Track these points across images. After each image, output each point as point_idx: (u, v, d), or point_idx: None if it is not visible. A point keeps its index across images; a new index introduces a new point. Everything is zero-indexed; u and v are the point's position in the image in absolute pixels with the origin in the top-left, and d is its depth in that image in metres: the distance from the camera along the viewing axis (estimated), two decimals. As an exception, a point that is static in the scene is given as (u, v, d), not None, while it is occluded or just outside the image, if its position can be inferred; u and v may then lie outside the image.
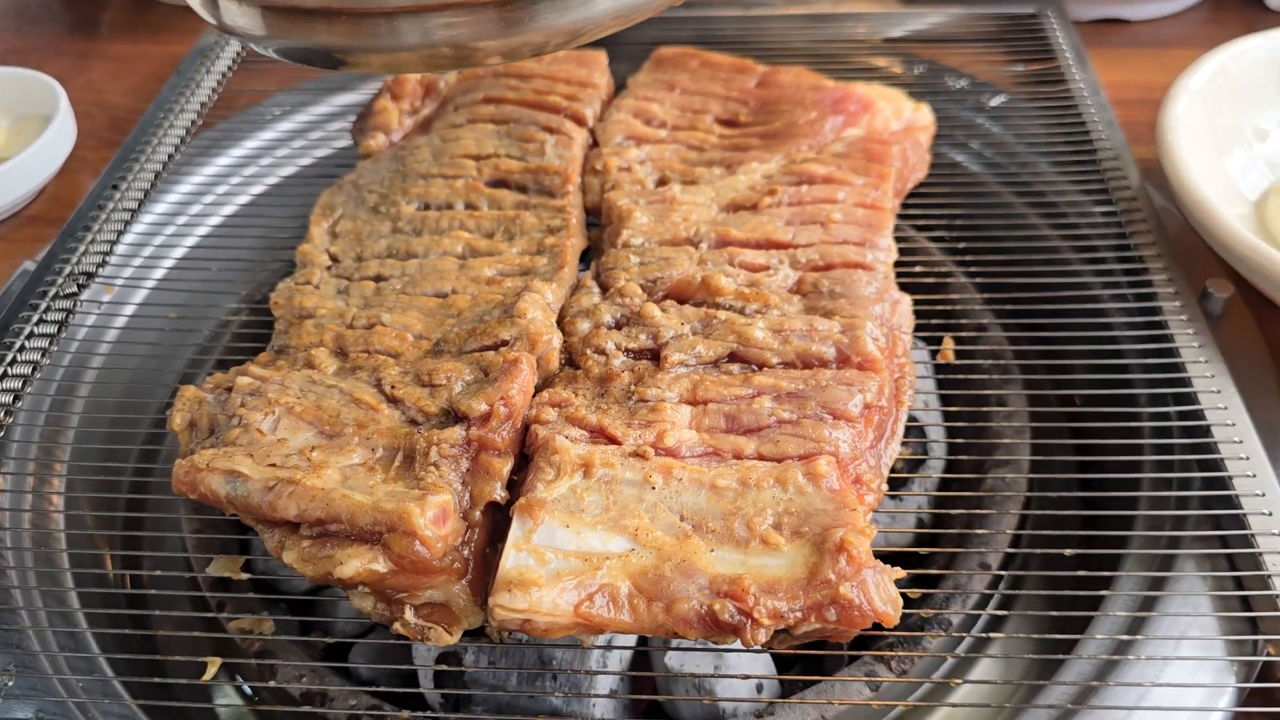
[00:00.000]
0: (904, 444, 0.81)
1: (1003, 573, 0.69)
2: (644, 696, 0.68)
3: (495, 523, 0.61)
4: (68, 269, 0.79)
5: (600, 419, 0.63)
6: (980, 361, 0.83)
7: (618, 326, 0.70)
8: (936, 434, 0.82)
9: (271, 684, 0.64)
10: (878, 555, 0.76)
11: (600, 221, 0.81)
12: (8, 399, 0.71)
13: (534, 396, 0.66)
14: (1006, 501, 0.74)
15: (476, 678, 0.69)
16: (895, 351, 0.70)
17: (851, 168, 0.81)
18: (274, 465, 0.61)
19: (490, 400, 0.62)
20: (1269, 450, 0.69)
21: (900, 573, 0.59)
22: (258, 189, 0.96)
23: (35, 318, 0.76)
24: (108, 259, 0.81)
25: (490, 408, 0.62)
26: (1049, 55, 1.00)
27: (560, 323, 0.72)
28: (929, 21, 1.09)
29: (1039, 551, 0.67)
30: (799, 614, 0.56)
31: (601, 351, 0.68)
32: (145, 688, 0.62)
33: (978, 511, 0.72)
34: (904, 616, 0.65)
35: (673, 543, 0.58)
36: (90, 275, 0.80)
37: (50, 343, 0.75)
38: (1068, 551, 0.64)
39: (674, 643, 0.69)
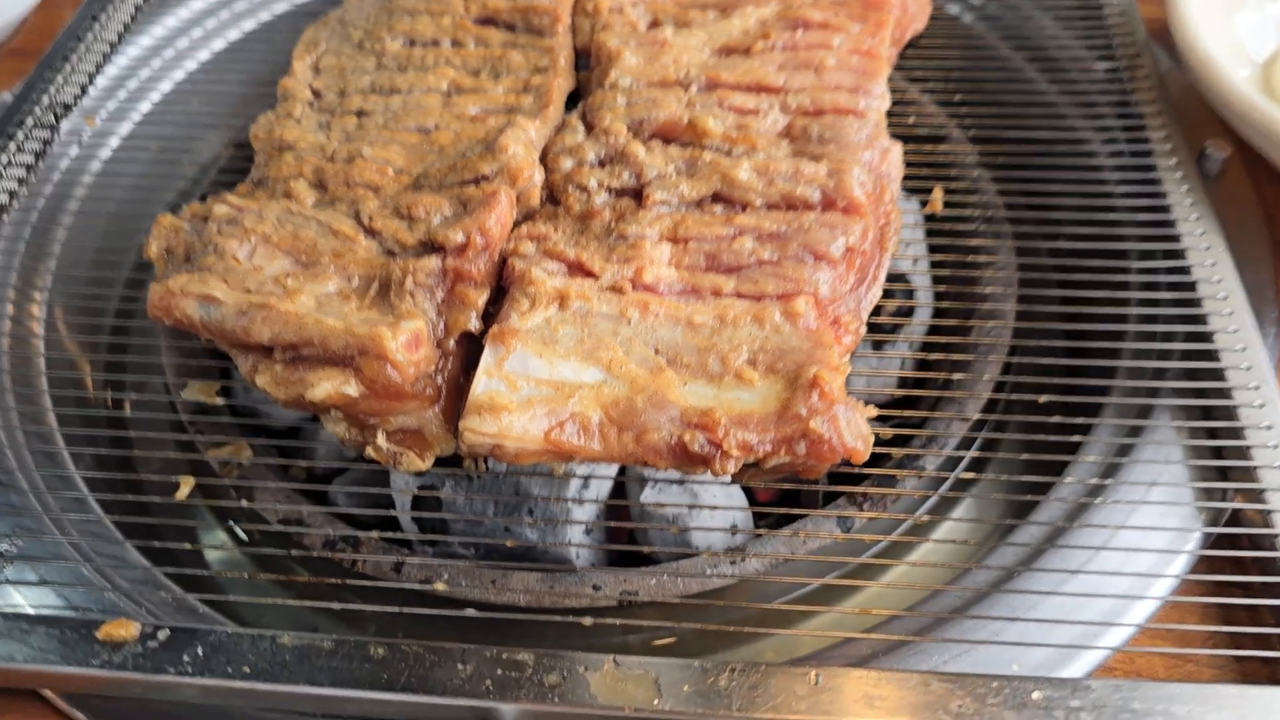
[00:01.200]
0: (890, 296, 0.81)
1: (986, 416, 0.69)
2: (619, 523, 0.69)
3: (470, 353, 0.61)
4: (45, 99, 0.78)
5: (579, 253, 0.63)
6: (970, 214, 0.82)
7: (601, 165, 0.69)
8: (923, 286, 0.82)
9: (244, 504, 0.65)
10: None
11: (590, 63, 0.79)
12: (-16, 224, 0.70)
13: (514, 230, 0.65)
14: (989, 353, 0.74)
15: (453, 509, 0.70)
16: (882, 198, 0.69)
17: (848, 14, 0.79)
18: (248, 290, 0.61)
19: (467, 231, 0.61)
20: (1254, 309, 0.68)
21: (873, 411, 0.59)
22: (249, 24, 0.93)
23: (12, 146, 0.75)
24: (86, 90, 0.80)
25: (467, 238, 0.61)
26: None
27: (544, 160, 0.70)
28: None
29: (1019, 398, 0.67)
30: (769, 446, 0.56)
31: (584, 188, 0.67)
32: (121, 505, 0.63)
33: (961, 358, 0.72)
34: (881, 461, 0.67)
35: (646, 375, 0.58)
36: (68, 106, 0.78)
37: (28, 172, 0.74)
38: (1042, 398, 0.65)
39: (650, 480, 0.69)
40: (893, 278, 0.83)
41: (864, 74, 0.75)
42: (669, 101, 0.72)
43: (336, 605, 0.63)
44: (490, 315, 0.62)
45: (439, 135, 0.71)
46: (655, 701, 0.51)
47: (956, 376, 0.73)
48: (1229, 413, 0.62)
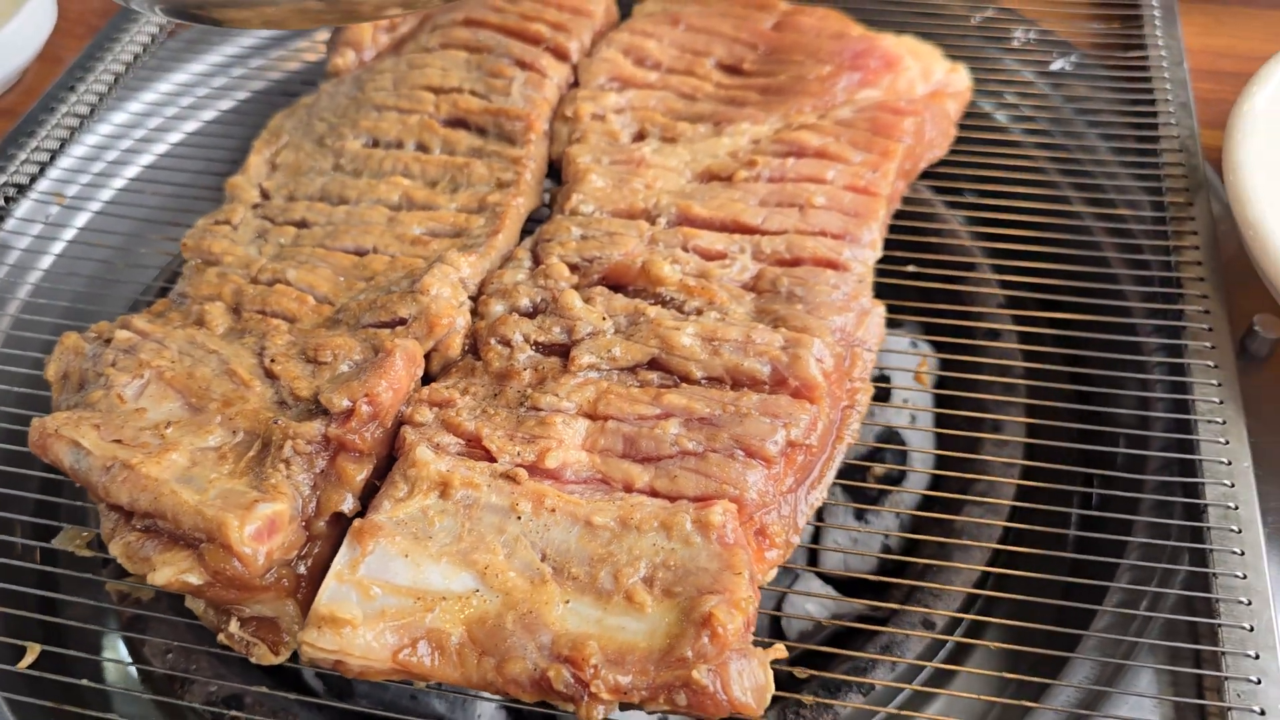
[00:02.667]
0: (879, 457, 0.73)
1: (960, 615, 0.61)
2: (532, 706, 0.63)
3: (344, 534, 0.55)
4: (1, 178, 0.75)
5: (480, 426, 0.56)
6: (983, 377, 0.73)
7: (533, 314, 0.62)
8: (920, 447, 0.73)
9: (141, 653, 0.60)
10: (831, 581, 0.70)
11: (561, 177, 0.73)
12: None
13: (425, 386, 0.59)
14: (972, 546, 0.65)
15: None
16: (849, 373, 0.61)
17: (852, 140, 0.70)
18: (119, 441, 0.56)
19: (353, 396, 0.55)
20: (1269, 541, 0.58)
21: (779, 653, 0.51)
22: (226, 104, 0.89)
23: (-43, 230, 0.72)
24: (46, 170, 0.77)
25: (353, 404, 0.55)
26: (1134, 12, 0.85)
27: (479, 294, 0.64)
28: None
29: (1002, 599, 0.58)
30: (645, 693, 0.49)
31: (507, 342, 0.61)
32: None
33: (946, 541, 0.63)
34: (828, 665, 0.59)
35: (525, 587, 0.51)
36: (21, 189, 0.75)
37: (-35, 259, 0.71)
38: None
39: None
40: (885, 436, 0.74)
41: (856, 216, 0.67)
42: (628, 238, 0.65)
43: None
44: (374, 489, 0.55)
45: (373, 260, 0.66)
46: None
47: (931, 571, 0.64)
48: (1218, 688, 0.52)
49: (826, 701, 0.59)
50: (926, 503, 0.71)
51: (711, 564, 0.51)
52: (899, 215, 0.75)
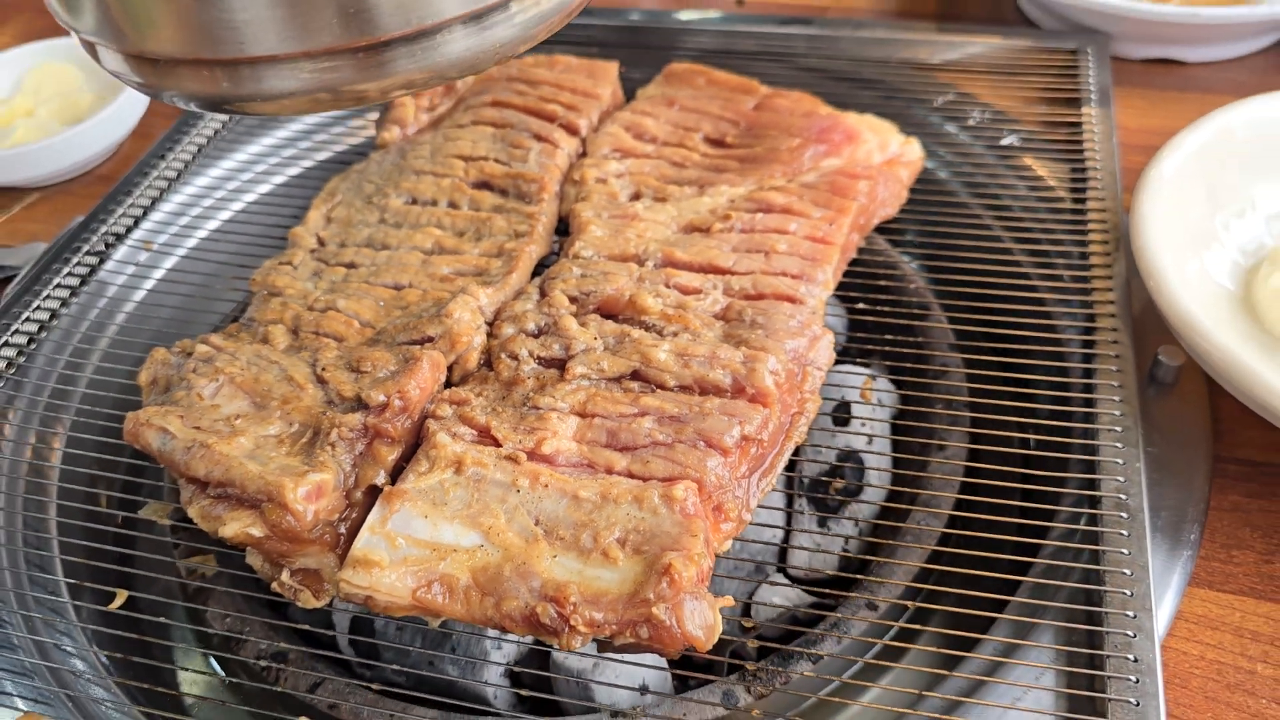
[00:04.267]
0: (839, 474, 0.84)
1: (905, 602, 0.71)
2: (539, 671, 0.73)
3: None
4: (102, 229, 0.90)
5: (489, 420, 0.68)
6: (935, 410, 0.84)
7: (538, 335, 0.75)
8: (876, 465, 0.84)
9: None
10: (797, 580, 0.80)
11: (568, 230, 0.86)
12: (23, 341, 0.82)
13: (440, 392, 0.72)
14: (915, 546, 0.76)
15: (386, 638, 0.76)
16: (800, 386, 0.73)
17: (814, 199, 0.83)
18: (199, 428, 0.69)
19: (388, 392, 0.68)
20: (1174, 526, 0.69)
21: (727, 601, 0.62)
22: (292, 171, 1.04)
23: (65, 270, 0.86)
24: (140, 222, 0.91)
25: (387, 399, 0.68)
26: (1074, 96, 0.98)
27: (495, 322, 0.77)
28: (973, 50, 1.08)
29: (940, 591, 0.68)
30: (615, 626, 0.60)
31: (515, 357, 0.73)
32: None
33: (891, 543, 0.74)
34: (789, 639, 0.70)
35: (521, 544, 0.62)
36: (120, 237, 0.90)
37: (71, 294, 0.85)
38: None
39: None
40: (845, 455, 0.86)
41: (812, 261, 0.79)
42: (620, 276, 0.78)
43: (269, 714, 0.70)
44: (402, 470, 0.68)
45: (409, 293, 0.79)
46: None
47: (877, 567, 0.74)
48: (1100, 662, 0.62)
49: (778, 669, 0.69)
50: (882, 513, 0.82)
51: (674, 529, 0.63)
52: (869, 269, 0.87)
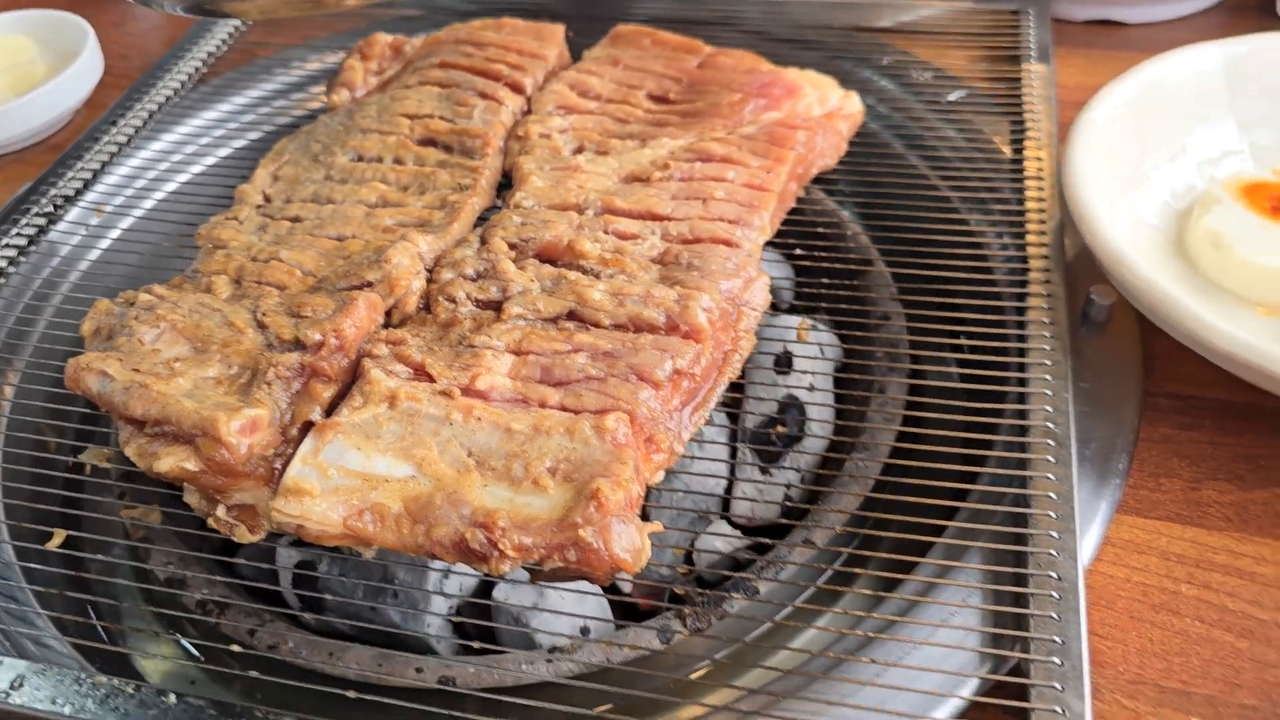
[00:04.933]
0: (781, 421, 0.85)
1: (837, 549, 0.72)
2: (478, 620, 0.74)
3: (312, 441, 0.68)
4: (52, 191, 0.90)
5: (425, 359, 0.69)
6: (874, 349, 0.85)
7: (476, 279, 0.76)
8: (819, 416, 0.85)
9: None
10: (740, 528, 0.81)
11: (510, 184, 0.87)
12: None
13: (376, 333, 0.72)
14: (853, 484, 0.77)
15: (329, 586, 0.77)
16: (735, 325, 0.74)
17: (752, 149, 0.84)
18: (138, 370, 0.69)
19: (324, 331, 0.69)
20: (1103, 457, 0.70)
21: (656, 527, 0.63)
22: (242, 141, 1.05)
23: (14, 230, 0.87)
24: (91, 185, 0.92)
25: (323, 338, 0.69)
26: (1015, 54, 0.99)
27: (433, 270, 0.78)
28: (918, 14, 1.09)
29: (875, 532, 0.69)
30: (543, 550, 0.60)
31: (452, 299, 0.74)
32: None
33: (827, 490, 0.75)
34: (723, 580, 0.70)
35: (453, 475, 0.63)
36: (68, 199, 0.90)
37: (19, 253, 0.86)
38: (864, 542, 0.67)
39: (503, 580, 0.74)
40: (787, 403, 0.86)
41: (749, 207, 0.80)
42: (559, 224, 0.79)
43: (208, 666, 0.71)
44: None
45: (351, 244, 0.80)
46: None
47: (818, 508, 0.75)
48: (1025, 580, 0.63)
49: (714, 602, 0.70)
50: (824, 460, 0.83)
51: (604, 458, 0.64)
52: (814, 225, 0.89)
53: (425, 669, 0.67)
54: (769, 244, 0.83)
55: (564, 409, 0.67)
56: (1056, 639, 0.59)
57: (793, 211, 0.86)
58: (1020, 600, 0.62)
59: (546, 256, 0.78)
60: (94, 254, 0.94)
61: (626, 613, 0.77)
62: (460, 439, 0.65)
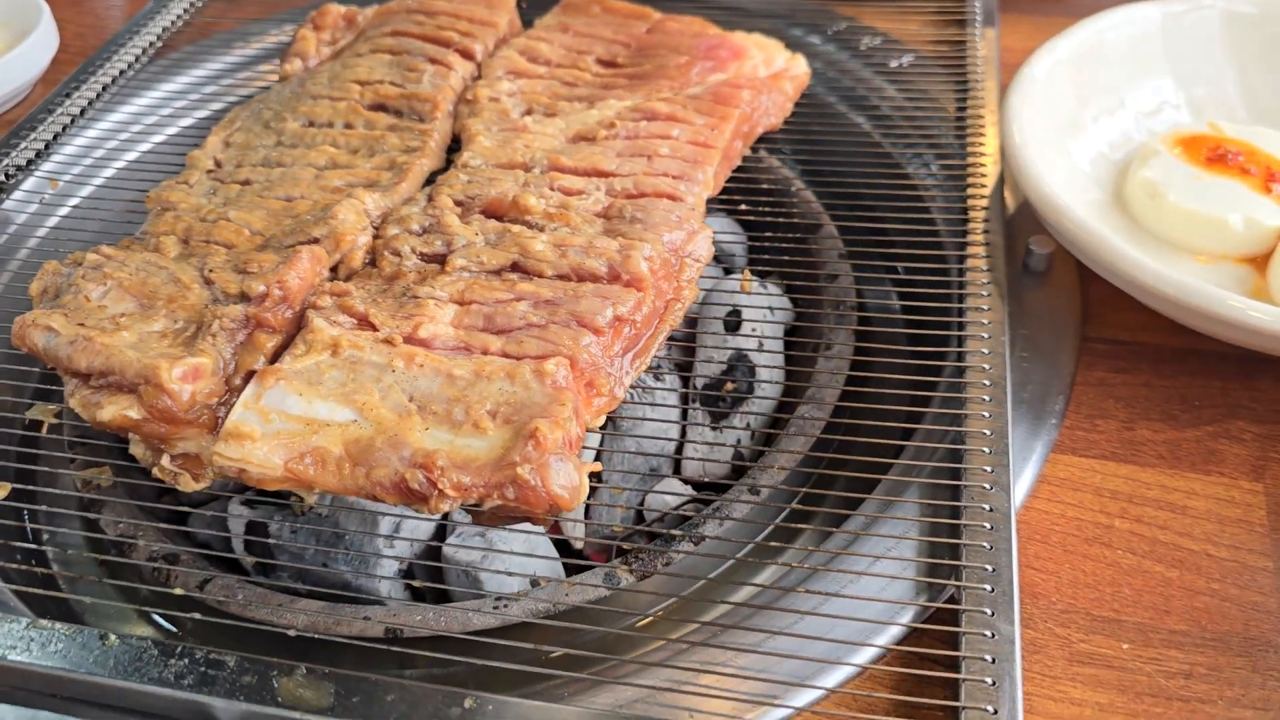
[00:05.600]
0: (731, 376, 0.86)
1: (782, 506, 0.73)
2: (430, 565, 0.74)
3: (257, 391, 0.68)
4: (4, 162, 0.91)
5: (368, 309, 0.70)
6: (822, 311, 0.86)
7: (421, 234, 0.77)
8: (768, 368, 0.86)
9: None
10: (690, 483, 0.82)
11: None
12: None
13: (321, 285, 0.73)
14: (799, 436, 0.77)
15: (281, 545, 0.77)
16: (677, 275, 0.75)
17: (697, 108, 0.85)
18: (83, 325, 0.70)
19: (267, 283, 0.69)
20: (1040, 399, 0.71)
21: (595, 467, 0.64)
22: (201, 114, 1.05)
23: (-36, 199, 0.87)
24: (43, 156, 0.92)
25: (267, 289, 0.69)
26: (960, 18, 1.01)
27: (379, 228, 0.78)
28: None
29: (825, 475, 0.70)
30: (482, 489, 0.61)
31: (397, 253, 0.75)
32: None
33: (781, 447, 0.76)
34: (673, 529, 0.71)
35: (394, 419, 0.64)
36: (21, 168, 0.91)
37: (-30, 220, 0.86)
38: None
39: (453, 534, 0.75)
40: (736, 360, 0.87)
41: (693, 163, 0.81)
42: (505, 181, 0.80)
43: (155, 612, 0.71)
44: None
45: (299, 204, 0.80)
46: (325, 705, 0.56)
47: (764, 459, 0.76)
48: (959, 513, 0.64)
49: (660, 550, 0.71)
50: (773, 416, 0.84)
51: (544, 400, 0.64)
52: (763, 187, 0.90)
53: (372, 618, 0.68)
54: (717, 205, 0.84)
55: (505, 355, 0.68)
56: (988, 567, 0.60)
57: (739, 170, 0.87)
58: (955, 532, 0.63)
59: (492, 212, 0.79)
60: (51, 221, 0.95)
61: (577, 570, 0.78)
62: (402, 385, 0.66)
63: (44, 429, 0.83)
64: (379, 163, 0.84)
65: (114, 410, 0.65)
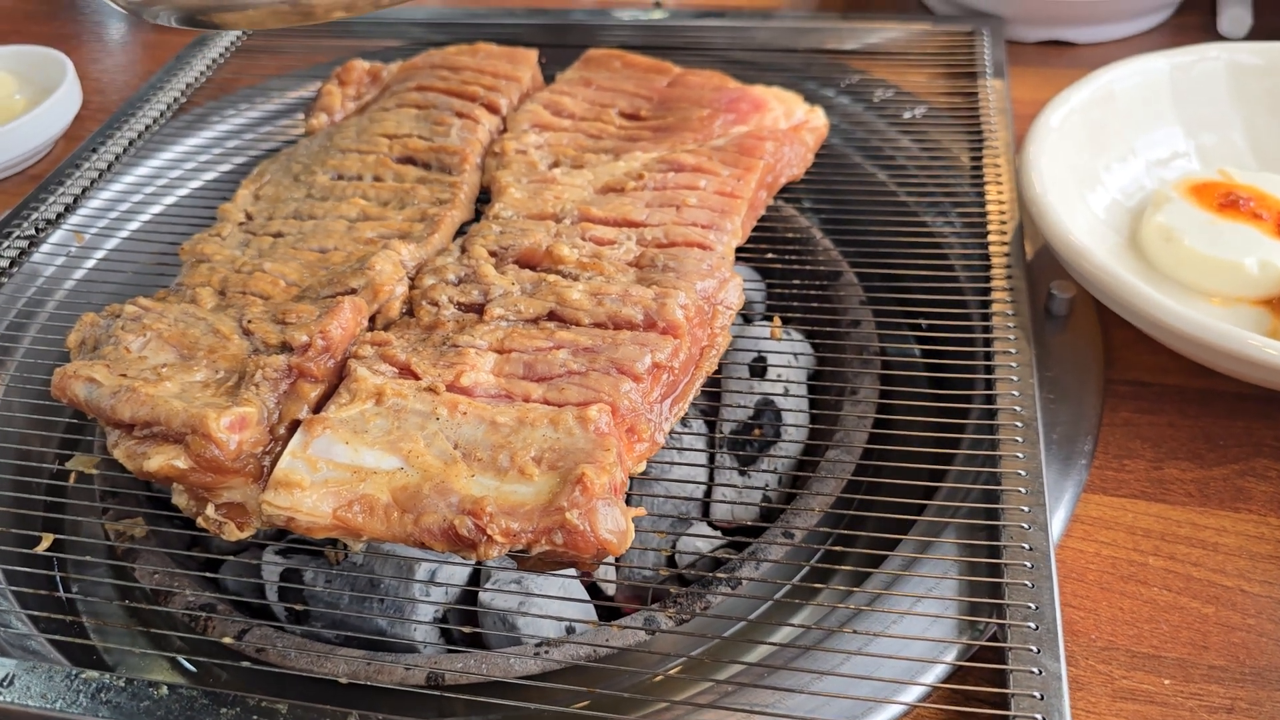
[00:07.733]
0: (758, 424, 0.87)
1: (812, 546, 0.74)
2: (463, 625, 0.75)
3: (300, 439, 0.69)
4: (33, 215, 0.92)
5: (410, 358, 0.71)
6: (845, 356, 0.87)
7: (458, 284, 0.78)
8: (792, 420, 0.87)
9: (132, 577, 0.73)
10: (719, 528, 0.82)
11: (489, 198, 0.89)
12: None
13: (362, 335, 0.74)
14: (829, 479, 0.78)
15: (314, 594, 0.77)
16: (711, 322, 0.76)
17: (723, 159, 0.87)
18: (124, 376, 0.71)
19: (310, 333, 0.70)
20: (1069, 439, 0.72)
21: (640, 512, 0.64)
22: (225, 167, 1.07)
23: (-4, 253, 0.88)
24: (72, 209, 0.93)
25: (309, 340, 0.70)
26: (971, 70, 1.03)
27: (415, 278, 0.80)
28: (878, 37, 1.13)
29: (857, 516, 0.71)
30: (530, 535, 0.62)
31: (435, 303, 0.76)
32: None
33: (805, 492, 0.77)
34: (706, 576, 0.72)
35: (440, 466, 0.65)
36: (50, 222, 0.92)
37: (1, 275, 0.87)
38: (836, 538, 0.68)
39: (488, 580, 0.76)
40: (763, 406, 0.89)
41: (721, 213, 0.83)
42: (538, 232, 0.81)
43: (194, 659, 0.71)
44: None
45: (334, 255, 0.81)
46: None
47: (795, 503, 0.77)
48: (999, 553, 0.65)
49: (699, 592, 0.71)
50: (800, 463, 0.85)
51: (588, 446, 0.65)
52: (787, 239, 0.92)
53: (414, 667, 0.68)
54: (742, 257, 0.85)
55: (547, 403, 0.69)
56: (1031, 605, 0.61)
57: (762, 222, 0.89)
58: (995, 572, 0.64)
59: (526, 262, 0.80)
60: (78, 274, 0.96)
61: (610, 616, 0.78)
62: (446, 432, 0.67)
63: (71, 479, 0.84)
64: (410, 214, 0.85)
65: (161, 460, 0.65)
